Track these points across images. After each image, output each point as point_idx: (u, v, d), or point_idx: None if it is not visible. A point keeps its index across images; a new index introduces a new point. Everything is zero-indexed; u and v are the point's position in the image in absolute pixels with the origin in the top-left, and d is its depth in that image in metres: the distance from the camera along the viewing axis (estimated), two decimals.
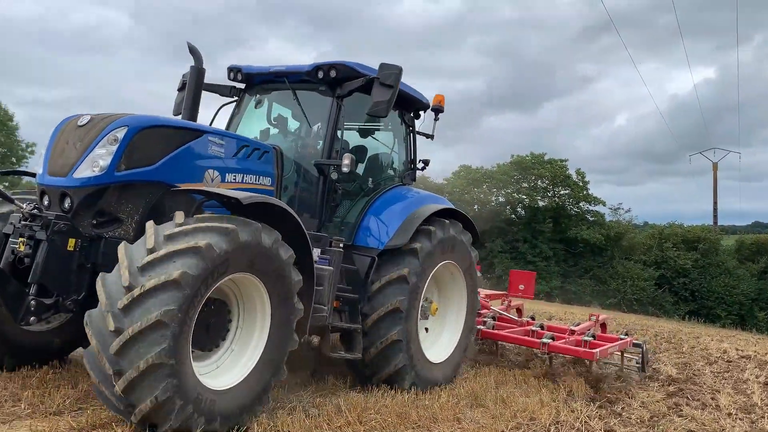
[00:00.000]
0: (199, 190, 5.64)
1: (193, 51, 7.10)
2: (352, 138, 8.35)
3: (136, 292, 4.46)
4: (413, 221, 7.45)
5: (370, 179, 8.29)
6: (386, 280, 7.10)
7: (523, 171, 50.65)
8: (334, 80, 7.31)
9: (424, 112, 8.84)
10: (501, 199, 51.82)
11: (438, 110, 8.74)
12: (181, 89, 7.94)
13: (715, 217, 56.27)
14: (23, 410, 5.36)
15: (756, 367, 11.59)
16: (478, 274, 9.09)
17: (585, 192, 50.10)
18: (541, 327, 9.94)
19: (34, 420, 5.15)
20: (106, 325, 4.46)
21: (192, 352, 4.97)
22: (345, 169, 6.98)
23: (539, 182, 50.93)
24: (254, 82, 8.15)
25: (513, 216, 51.48)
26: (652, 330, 18.81)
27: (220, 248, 4.84)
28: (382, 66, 6.91)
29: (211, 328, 5.32)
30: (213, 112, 8.22)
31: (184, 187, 5.78)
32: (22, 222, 5.53)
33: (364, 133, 8.37)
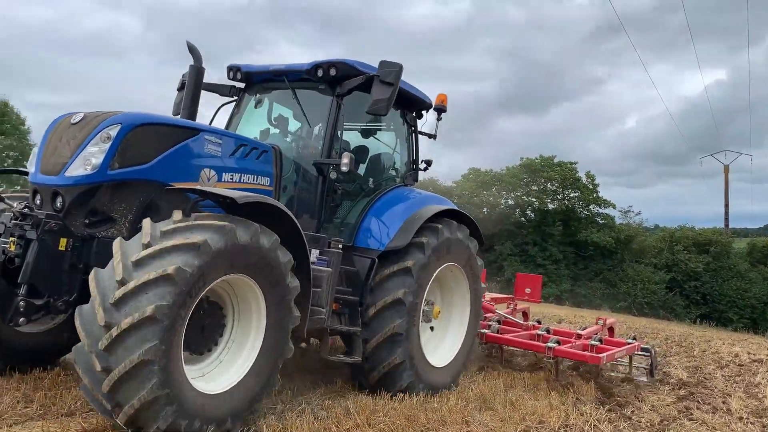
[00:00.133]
0: (194, 189, 5.51)
1: (192, 50, 7.00)
2: (354, 138, 8.23)
3: (129, 286, 4.36)
4: (415, 222, 7.31)
5: (371, 179, 8.15)
6: (390, 271, 6.98)
7: (533, 174, 50.50)
8: (334, 79, 7.18)
9: (427, 112, 8.69)
10: (510, 202, 51.72)
11: (441, 110, 8.59)
12: (180, 89, 7.84)
13: (727, 219, 55.81)
14: (35, 411, 5.35)
15: None
16: (483, 285, 8.96)
17: (595, 194, 49.91)
18: (547, 331, 9.76)
19: (45, 421, 5.14)
20: (96, 320, 4.35)
21: (184, 353, 4.84)
22: (344, 169, 6.85)
23: (549, 185, 50.77)
24: (254, 81, 8.03)
25: (522, 219, 51.34)
26: (663, 333, 18.65)
27: (217, 246, 4.72)
28: (382, 64, 6.79)
29: (204, 331, 5.20)
30: (215, 112, 8.14)
31: (178, 186, 5.66)
32: (13, 221, 5.44)
33: (366, 133, 8.26)
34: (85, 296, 4.73)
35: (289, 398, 6.56)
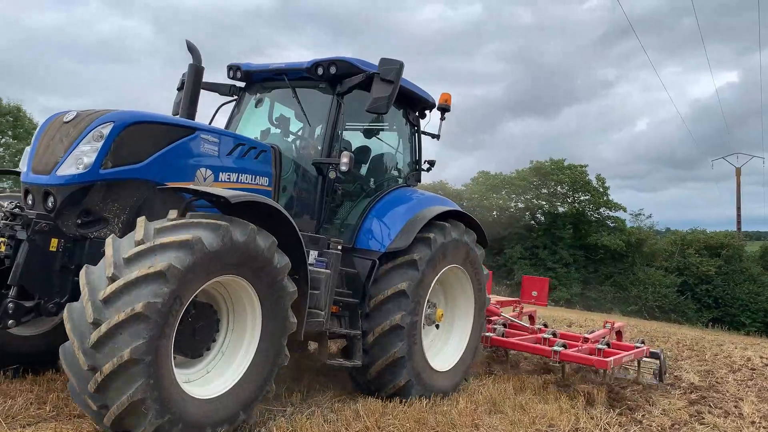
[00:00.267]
0: (186, 188, 5.38)
1: (191, 48, 6.86)
2: (356, 138, 8.09)
3: (120, 282, 4.24)
4: (416, 223, 7.16)
5: (372, 180, 8.01)
6: (385, 296, 6.80)
7: (543, 177, 50.46)
8: (334, 77, 7.04)
9: (430, 112, 8.51)
10: (520, 205, 51.75)
11: (444, 109, 8.40)
12: (180, 88, 7.72)
13: (739, 222, 55.35)
14: (48, 413, 5.32)
15: None
16: (489, 296, 8.80)
17: (605, 198, 49.82)
18: (554, 334, 9.58)
19: (58, 422, 5.12)
20: (85, 317, 4.23)
21: (175, 357, 4.74)
22: (343, 168, 6.68)
23: (559, 188, 50.76)
24: (254, 81, 7.90)
25: (532, 222, 51.32)
26: (674, 337, 18.66)
27: (211, 244, 4.60)
28: (383, 61, 6.64)
29: (197, 333, 5.06)
30: (215, 112, 8.02)
31: (171, 185, 5.53)
32: (3, 221, 5.31)
33: (368, 133, 8.10)
34: (76, 298, 4.58)
35: (299, 401, 6.53)
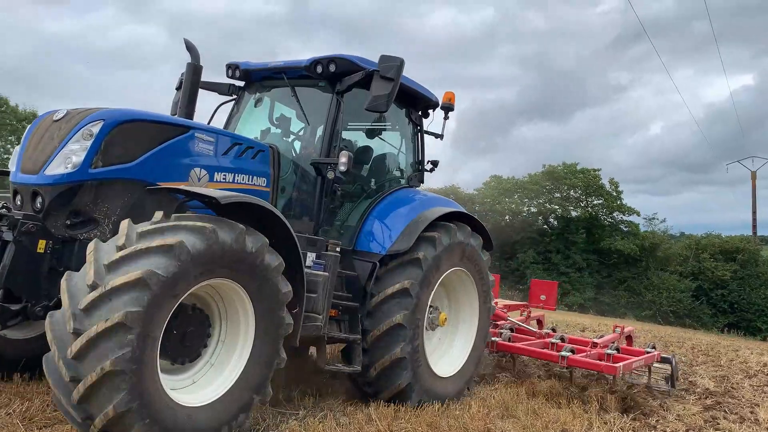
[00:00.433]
0: (176, 188, 5.22)
1: (189, 47, 6.73)
2: (358, 138, 7.93)
3: (99, 291, 4.09)
4: (418, 224, 6.98)
5: (373, 180, 7.82)
6: (387, 294, 6.64)
7: (555, 181, 50.23)
8: (334, 75, 6.87)
9: (433, 111, 8.33)
10: (533, 209, 51.58)
11: (448, 108, 8.22)
12: (179, 88, 7.59)
13: (754, 227, 54.77)
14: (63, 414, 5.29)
15: None
16: (494, 300, 8.59)
17: (619, 202, 49.57)
18: (562, 339, 9.32)
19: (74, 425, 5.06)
20: (65, 327, 4.09)
21: (165, 363, 4.62)
22: (342, 168, 6.49)
23: (572, 192, 50.54)
24: (253, 80, 7.75)
25: (545, 226, 51.09)
26: (689, 342, 18.55)
27: (195, 248, 4.43)
28: (383, 58, 6.47)
29: (187, 339, 4.89)
30: (214, 112, 7.88)
31: (163, 185, 5.37)
32: None
33: (370, 133, 7.91)
34: None
35: (312, 404, 6.52)
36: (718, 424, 7.50)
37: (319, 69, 6.86)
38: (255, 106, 7.78)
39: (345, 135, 7.64)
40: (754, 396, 9.56)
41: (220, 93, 7.99)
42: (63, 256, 5.17)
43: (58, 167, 5.14)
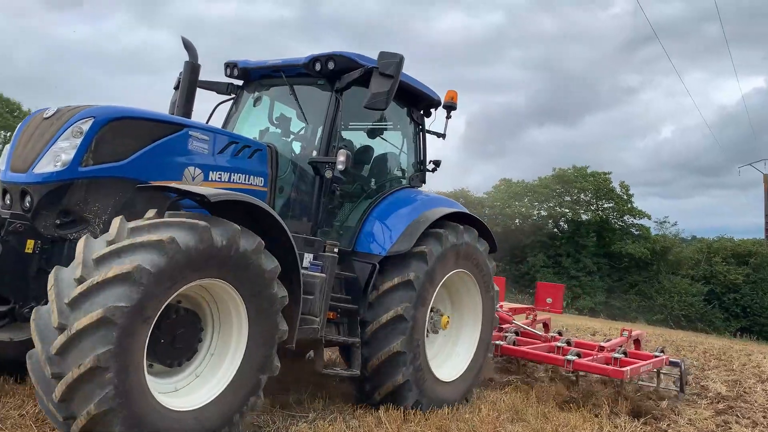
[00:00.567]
0: (167, 186, 5.09)
1: (187, 46, 6.62)
2: (359, 138, 7.79)
3: (86, 285, 3.97)
4: (419, 225, 6.83)
5: (373, 180, 7.67)
6: (390, 285, 6.49)
7: (566, 184, 50.07)
8: (332, 72, 6.72)
9: (435, 110, 8.15)
10: (543, 212, 51.49)
11: (450, 107, 8.03)
12: (177, 87, 7.42)
13: (767, 230, 54.40)
14: None
15: None
16: (498, 304, 8.42)
17: (629, 205, 49.35)
18: (568, 343, 9.17)
19: None
20: (50, 322, 3.97)
21: (152, 365, 4.51)
22: (340, 167, 6.35)
23: (582, 195, 50.36)
24: (252, 78, 7.62)
25: (555, 230, 50.92)
26: (701, 347, 18.48)
27: (187, 245, 4.31)
28: (382, 55, 6.29)
29: (177, 341, 4.75)
30: (212, 111, 7.77)
31: (153, 184, 5.23)
32: None
33: (371, 132, 7.77)
34: None
35: (321, 407, 6.47)
36: (730, 428, 7.45)
37: (318, 66, 6.71)
38: (254, 105, 7.65)
39: (346, 135, 7.53)
40: (767, 401, 9.48)
41: (219, 92, 7.86)
42: (52, 256, 5.04)
43: (47, 165, 5.03)
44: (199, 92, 7.54)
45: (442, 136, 8.25)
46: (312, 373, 7.05)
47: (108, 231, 4.38)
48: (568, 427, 6.63)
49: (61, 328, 3.91)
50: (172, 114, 6.86)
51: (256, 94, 7.64)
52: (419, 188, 8.04)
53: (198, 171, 5.68)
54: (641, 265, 46.96)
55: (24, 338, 5.78)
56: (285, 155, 6.72)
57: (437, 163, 8.22)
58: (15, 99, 43.08)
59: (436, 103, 8.03)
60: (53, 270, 4.25)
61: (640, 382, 9.14)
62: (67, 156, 4.99)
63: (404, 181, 7.93)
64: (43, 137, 5.17)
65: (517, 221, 50.53)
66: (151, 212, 4.65)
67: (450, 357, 7.52)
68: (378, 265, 6.62)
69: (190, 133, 5.68)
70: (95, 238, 4.61)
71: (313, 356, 6.17)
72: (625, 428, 6.85)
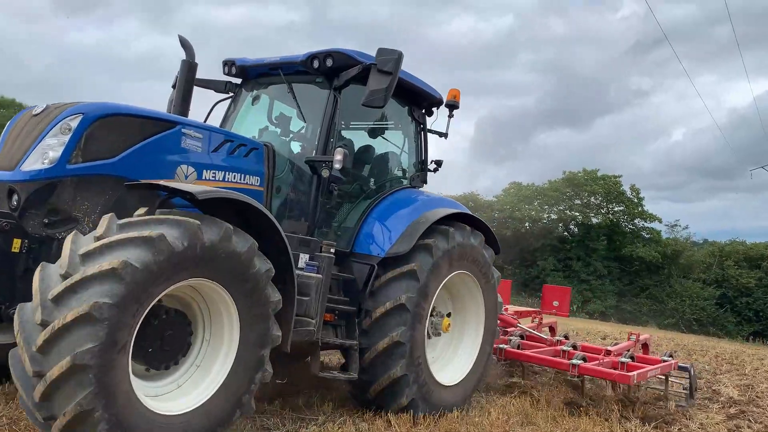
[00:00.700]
0: (156, 184, 4.92)
1: (184, 44, 6.51)
2: (360, 138, 7.64)
3: (71, 280, 3.85)
4: (419, 226, 6.67)
5: (373, 180, 7.51)
6: (384, 309, 6.30)
7: (576, 187, 50.00)
8: (331, 70, 6.58)
9: (437, 109, 7.97)
10: (553, 216, 51.39)
11: (452, 106, 7.86)
12: (175, 86, 7.29)
13: None
14: None
15: None
16: (504, 306, 8.20)
17: (640, 209, 49.16)
18: (574, 347, 8.98)
19: None
20: (34, 318, 3.85)
21: (142, 368, 4.39)
22: (337, 166, 6.19)
23: (592, 199, 50.29)
24: (249, 76, 7.48)
25: (566, 233, 50.76)
26: (713, 351, 18.29)
27: (177, 243, 4.19)
28: (380, 51, 6.14)
29: (166, 344, 4.62)
30: (210, 110, 7.65)
31: (143, 181, 5.07)
32: None
33: (371, 132, 7.64)
34: None
35: (331, 409, 6.43)
36: None
37: (316, 64, 6.57)
38: (252, 104, 7.52)
39: (347, 134, 7.42)
40: None
41: (217, 91, 7.73)
42: (40, 255, 4.88)
43: (35, 163, 4.91)
44: (200, 92, 7.49)
45: (444, 135, 8.08)
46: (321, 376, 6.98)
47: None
48: (579, 431, 6.59)
49: (44, 325, 3.79)
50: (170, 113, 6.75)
51: (255, 92, 7.51)
52: (420, 188, 7.89)
53: (191, 169, 5.55)
54: (652, 269, 46.79)
55: (11, 341, 5.70)
56: (283, 154, 6.59)
57: (439, 163, 8.07)
58: (28, 104, 43.27)
59: (437, 102, 7.86)
60: (39, 266, 4.15)
61: (652, 387, 8.99)
62: (55, 153, 4.87)
63: (405, 181, 7.78)
64: (30, 135, 5.05)
65: (527, 225, 50.44)
66: (141, 210, 4.54)
67: (453, 360, 7.37)
68: (376, 267, 6.47)
69: (182, 130, 5.55)
70: (77, 232, 4.49)
71: (311, 359, 5.98)
72: None
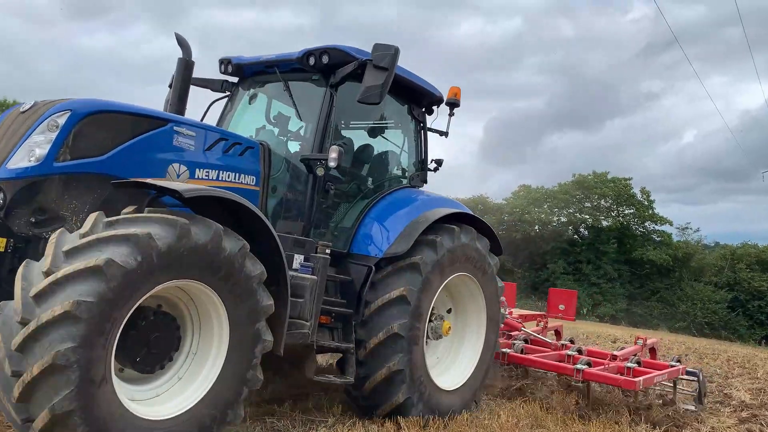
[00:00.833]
0: (142, 182, 4.76)
1: (181, 42, 6.41)
2: (360, 137, 7.50)
3: (53, 277, 3.76)
4: (418, 226, 6.53)
5: (371, 180, 7.37)
6: (384, 301, 6.17)
7: (586, 190, 49.73)
8: (327, 67, 6.45)
9: (438, 107, 7.82)
10: (563, 219, 51.12)
11: (453, 104, 7.70)
12: (172, 86, 7.18)
13: None
14: None
15: None
16: (508, 310, 8.02)
17: (650, 211, 48.87)
18: (579, 351, 8.77)
19: None
20: (14, 317, 3.75)
21: (122, 369, 4.29)
22: (332, 164, 6.03)
23: (602, 201, 50.03)
24: (246, 75, 7.36)
25: (575, 236, 50.47)
26: (725, 355, 18.11)
27: (165, 242, 4.08)
28: (376, 47, 6.00)
29: (153, 346, 4.49)
30: (207, 109, 7.51)
31: (130, 180, 4.90)
32: None
33: (370, 131, 7.52)
34: None
35: (340, 411, 6.44)
36: None
37: (312, 61, 6.44)
38: (249, 103, 7.39)
39: (347, 134, 7.30)
40: None
41: (213, 90, 7.61)
42: (27, 255, 4.73)
43: (21, 161, 4.79)
44: (198, 92, 7.37)
45: (445, 134, 7.93)
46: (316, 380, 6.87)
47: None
48: None
49: (24, 323, 3.70)
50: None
51: (251, 91, 7.39)
52: (420, 188, 7.74)
53: (183, 168, 5.43)
54: (663, 272, 46.47)
55: None
56: (279, 154, 6.46)
57: (439, 163, 7.90)
58: None
59: (438, 100, 7.71)
60: (23, 263, 4.07)
61: (665, 390, 8.79)
62: (42, 150, 4.76)
63: (405, 181, 7.64)
64: (17, 132, 4.94)
65: (536, 228, 50.16)
66: (129, 208, 4.44)
67: (453, 364, 7.23)
68: (374, 268, 6.34)
69: (174, 128, 5.43)
70: (64, 230, 4.38)
71: (306, 362, 5.84)
72: None
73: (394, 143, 7.66)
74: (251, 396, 6.67)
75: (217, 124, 7.29)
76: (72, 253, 3.88)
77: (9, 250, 4.71)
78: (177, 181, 5.32)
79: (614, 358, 8.45)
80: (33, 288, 3.78)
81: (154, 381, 4.61)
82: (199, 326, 4.77)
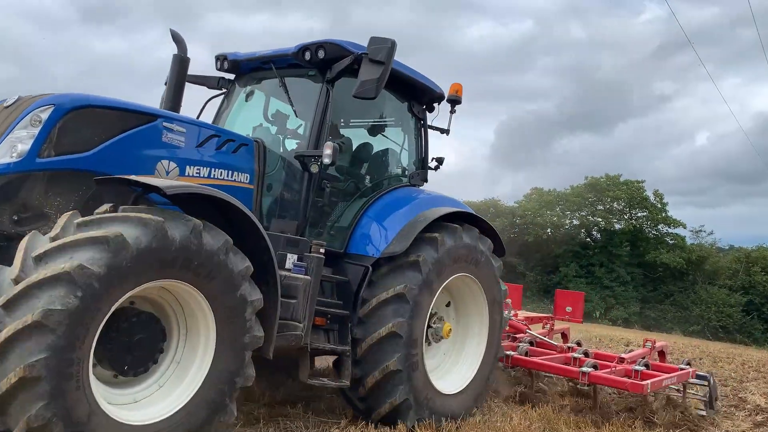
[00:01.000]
0: (126, 178, 4.62)
1: (176, 38, 6.29)
2: (359, 135, 7.35)
3: (21, 285, 3.61)
4: (417, 225, 6.35)
5: (369, 178, 7.20)
6: (381, 299, 6.00)
7: (598, 193, 49.51)
8: (323, 62, 6.29)
9: (439, 104, 7.64)
10: (575, 222, 50.97)
11: (455, 101, 7.51)
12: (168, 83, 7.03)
13: None
14: None
15: None
16: (513, 312, 7.82)
17: (664, 214, 48.51)
18: (585, 354, 8.58)
19: None
20: None
21: (108, 374, 4.16)
22: (326, 160, 5.86)
23: (615, 204, 49.76)
24: (243, 71, 7.20)
25: (588, 239, 50.24)
26: (740, 358, 17.99)
27: (138, 243, 3.92)
28: (372, 40, 5.84)
29: (136, 348, 4.33)
30: (203, 107, 7.36)
31: (114, 177, 4.79)
32: None
33: (371, 129, 7.37)
34: None
35: (352, 413, 6.37)
36: None
37: (308, 56, 6.29)
38: (246, 100, 7.23)
39: (347, 132, 7.16)
40: None
41: (209, 87, 7.45)
42: (9, 254, 4.54)
43: (3, 156, 4.63)
44: (196, 90, 7.22)
45: (446, 131, 7.74)
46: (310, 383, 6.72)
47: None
48: None
49: None
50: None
51: (248, 88, 7.23)
52: (420, 187, 7.56)
53: (173, 165, 5.28)
54: (676, 275, 46.09)
55: None
56: (275, 151, 6.31)
57: (440, 161, 7.71)
58: None
59: (439, 97, 7.53)
60: None
61: (677, 393, 8.50)
62: (24, 146, 4.61)
63: (404, 180, 7.47)
64: (0, 127, 4.78)
65: (548, 230, 49.98)
66: (104, 206, 4.28)
67: (454, 367, 7.05)
68: (371, 268, 6.17)
69: (163, 124, 5.28)
70: (36, 232, 4.22)
71: (298, 365, 5.66)
72: None
73: (394, 141, 7.48)
74: (263, 397, 6.62)
75: (213, 122, 7.14)
76: (41, 259, 3.76)
77: None
78: (166, 178, 5.15)
79: (621, 360, 8.25)
80: (2, 297, 3.64)
81: (138, 384, 4.47)
82: (185, 326, 4.62)
